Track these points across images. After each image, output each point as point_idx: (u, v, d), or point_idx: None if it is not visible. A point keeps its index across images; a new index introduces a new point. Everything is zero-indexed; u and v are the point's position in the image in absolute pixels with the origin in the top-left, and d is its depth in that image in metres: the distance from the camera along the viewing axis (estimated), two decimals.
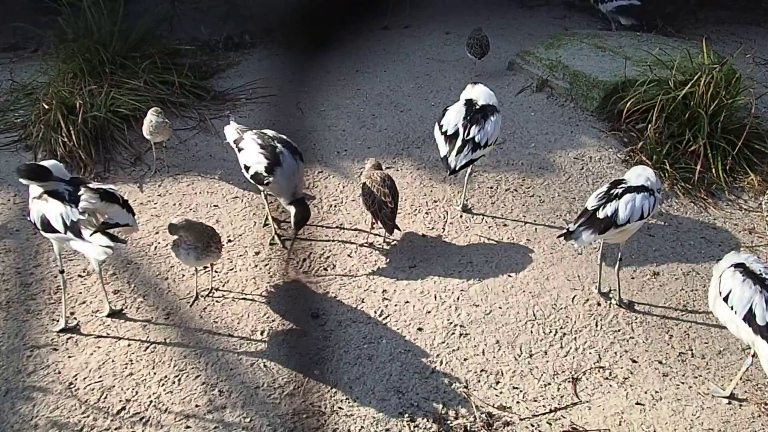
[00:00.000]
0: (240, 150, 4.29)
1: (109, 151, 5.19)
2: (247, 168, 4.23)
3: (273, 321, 3.90)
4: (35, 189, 3.61)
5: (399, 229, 4.39)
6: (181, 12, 6.95)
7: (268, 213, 4.55)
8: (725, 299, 3.43)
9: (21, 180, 3.55)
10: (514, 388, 3.61)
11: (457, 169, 4.42)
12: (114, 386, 3.47)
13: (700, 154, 5.22)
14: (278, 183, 4.11)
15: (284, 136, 4.27)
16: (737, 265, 3.49)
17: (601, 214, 3.85)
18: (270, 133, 4.29)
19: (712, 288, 3.56)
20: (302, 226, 4.19)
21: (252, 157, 4.18)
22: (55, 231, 3.48)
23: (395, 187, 4.38)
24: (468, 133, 4.45)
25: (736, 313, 3.38)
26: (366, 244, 4.47)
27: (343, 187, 4.99)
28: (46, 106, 5.20)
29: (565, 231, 3.92)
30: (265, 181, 4.15)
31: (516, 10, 8.37)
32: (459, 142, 4.43)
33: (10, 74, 5.98)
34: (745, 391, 3.63)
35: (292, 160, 4.15)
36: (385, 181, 4.31)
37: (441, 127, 4.57)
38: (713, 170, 5.21)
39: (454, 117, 4.55)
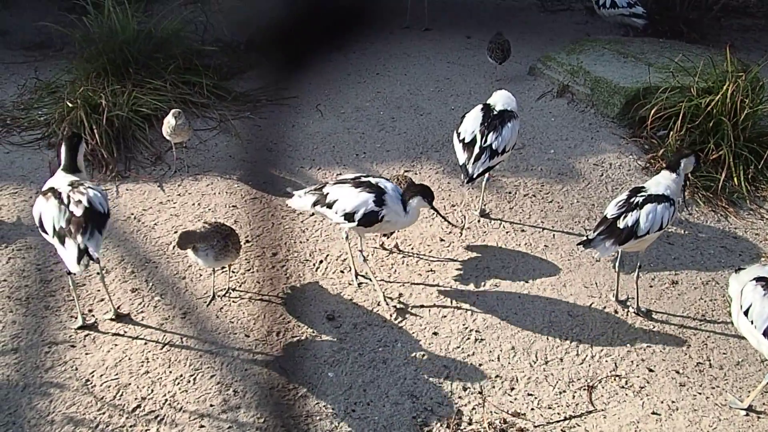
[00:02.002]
0: (330, 206, 3.89)
1: (130, 150, 5.24)
2: (352, 215, 3.83)
3: (289, 322, 3.91)
4: (49, 182, 3.69)
5: (389, 234, 4.31)
6: (204, 13, 6.99)
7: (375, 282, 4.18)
8: (746, 313, 3.39)
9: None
10: (528, 394, 3.59)
11: (475, 177, 4.41)
12: (130, 384, 3.50)
13: (722, 163, 5.17)
14: (392, 209, 3.84)
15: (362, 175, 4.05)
16: (759, 279, 3.45)
17: (621, 224, 3.81)
18: (348, 175, 4.07)
19: (734, 302, 3.52)
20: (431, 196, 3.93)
21: (352, 200, 3.83)
22: (45, 232, 3.55)
23: None
24: (485, 140, 4.44)
25: (756, 327, 3.34)
26: (381, 247, 4.47)
27: None
28: (70, 105, 5.26)
29: (584, 239, 3.90)
30: (381, 217, 3.83)
31: (537, 14, 8.34)
32: (476, 150, 4.42)
33: (35, 72, 6.06)
34: (764, 404, 3.59)
35: (388, 182, 3.95)
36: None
37: (459, 134, 4.55)
38: (735, 179, 5.16)
39: (471, 124, 4.54)
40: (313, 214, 4.51)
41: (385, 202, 3.83)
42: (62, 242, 3.45)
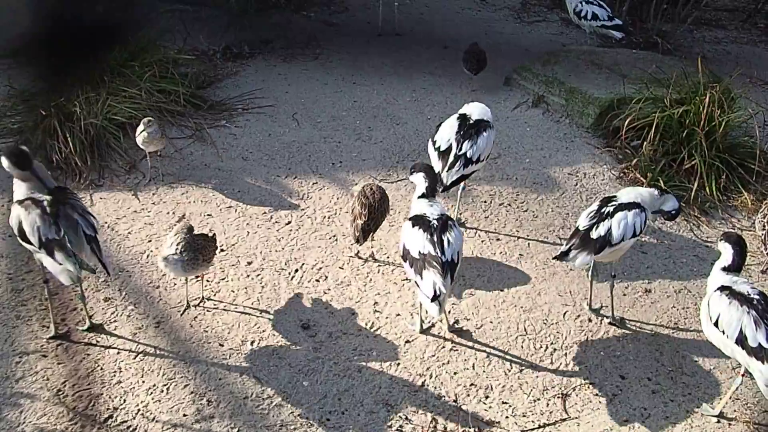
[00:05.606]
0: (456, 264, 3.76)
1: (104, 158, 5.20)
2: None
3: (263, 331, 3.90)
4: (19, 191, 3.60)
5: (360, 242, 4.25)
6: (181, 21, 6.98)
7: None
8: (716, 324, 3.41)
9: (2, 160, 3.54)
10: (503, 402, 3.60)
11: (448, 185, 4.42)
12: (102, 394, 3.47)
13: (695, 173, 5.24)
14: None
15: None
16: (723, 288, 3.48)
17: (594, 235, 3.82)
18: (419, 238, 3.78)
19: (703, 313, 3.53)
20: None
21: (459, 238, 3.82)
22: (30, 243, 3.49)
23: (381, 203, 4.29)
24: (460, 149, 4.46)
25: (728, 336, 3.36)
26: (357, 256, 4.47)
27: (338, 198, 5.00)
28: (44, 113, 5.21)
29: (559, 252, 3.90)
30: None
31: (514, 25, 8.41)
32: (451, 158, 4.44)
33: (8, 80, 5.99)
34: (735, 410, 3.63)
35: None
36: (371, 195, 4.27)
37: (434, 143, 4.57)
38: (707, 188, 5.22)
39: (447, 132, 4.56)
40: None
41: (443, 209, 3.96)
42: (51, 254, 3.41)
